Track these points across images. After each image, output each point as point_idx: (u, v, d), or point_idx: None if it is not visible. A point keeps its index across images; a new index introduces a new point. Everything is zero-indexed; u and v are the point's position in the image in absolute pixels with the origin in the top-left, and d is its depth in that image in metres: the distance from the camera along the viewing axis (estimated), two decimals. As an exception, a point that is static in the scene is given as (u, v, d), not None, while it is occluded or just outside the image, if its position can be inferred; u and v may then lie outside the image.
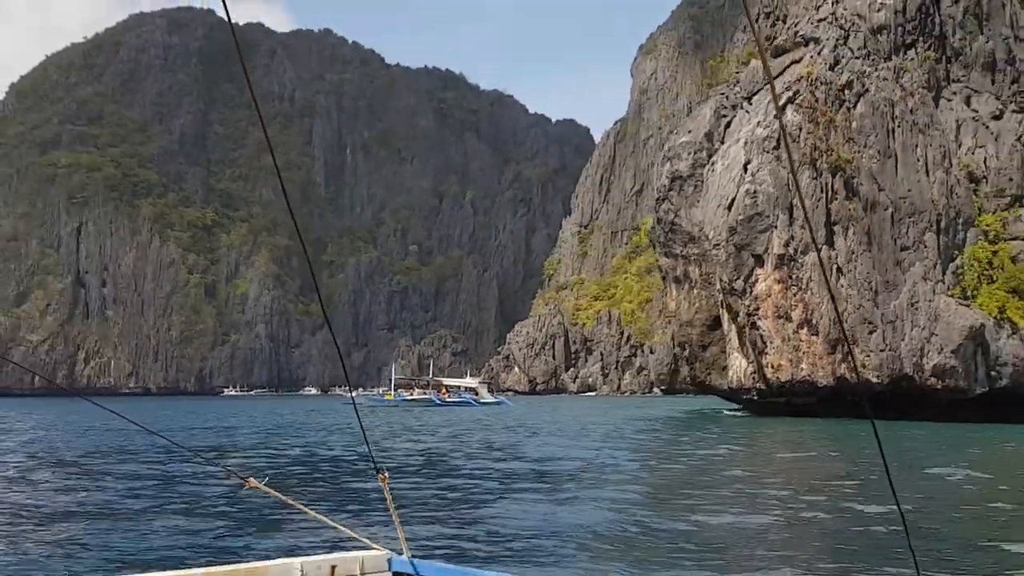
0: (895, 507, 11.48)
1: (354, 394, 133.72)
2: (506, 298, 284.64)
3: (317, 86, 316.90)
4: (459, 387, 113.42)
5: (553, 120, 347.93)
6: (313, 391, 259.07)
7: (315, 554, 4.52)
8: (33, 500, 20.38)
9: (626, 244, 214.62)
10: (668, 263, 60.22)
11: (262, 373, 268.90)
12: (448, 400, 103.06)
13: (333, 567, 4.37)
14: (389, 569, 4.51)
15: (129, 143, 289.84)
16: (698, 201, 56.30)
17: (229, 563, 4.60)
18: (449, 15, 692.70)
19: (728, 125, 56.97)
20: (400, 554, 4.66)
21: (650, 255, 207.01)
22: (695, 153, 57.28)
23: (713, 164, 53.56)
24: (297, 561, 4.31)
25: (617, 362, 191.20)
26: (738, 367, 53.40)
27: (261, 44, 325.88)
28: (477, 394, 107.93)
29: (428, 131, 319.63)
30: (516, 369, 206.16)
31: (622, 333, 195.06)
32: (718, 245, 51.37)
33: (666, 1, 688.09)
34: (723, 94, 58.85)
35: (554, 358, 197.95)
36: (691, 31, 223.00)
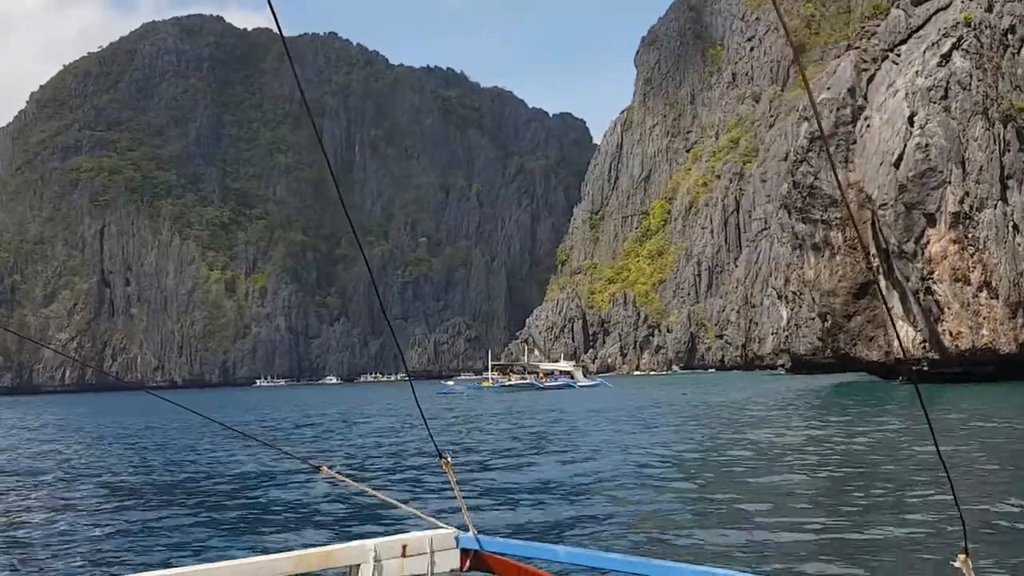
0: None
1: (451, 383, 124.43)
2: (514, 285, 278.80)
3: (325, 87, 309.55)
4: (554, 371, 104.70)
5: (551, 114, 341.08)
6: (333, 380, 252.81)
7: (387, 535, 4.71)
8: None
9: (636, 229, 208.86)
10: (805, 229, 52.85)
11: (283, 364, 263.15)
12: (548, 384, 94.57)
13: (404, 546, 4.48)
14: (457, 546, 4.58)
15: (147, 146, 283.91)
16: (842, 161, 48.69)
17: (305, 547, 4.63)
18: (447, 17, 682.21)
19: (871, 79, 49.39)
20: (467, 531, 4.69)
21: (660, 238, 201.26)
22: (838, 110, 49.62)
23: (867, 119, 46.00)
24: (371, 543, 4.40)
25: (635, 342, 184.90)
26: (903, 336, 45.80)
27: (270, 48, 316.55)
28: (572, 377, 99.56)
29: (433, 128, 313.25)
30: (536, 352, 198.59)
31: (638, 314, 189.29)
32: (885, 205, 44.08)
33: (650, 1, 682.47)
34: (858, 47, 51.21)
35: (573, 340, 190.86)
36: (691, 21, 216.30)
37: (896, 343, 46.58)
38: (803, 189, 51.72)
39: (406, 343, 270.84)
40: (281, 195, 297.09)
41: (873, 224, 47.24)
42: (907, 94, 44.37)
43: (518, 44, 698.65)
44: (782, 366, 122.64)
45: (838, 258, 50.27)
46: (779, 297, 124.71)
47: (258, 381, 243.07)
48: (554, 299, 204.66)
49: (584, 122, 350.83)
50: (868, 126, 45.74)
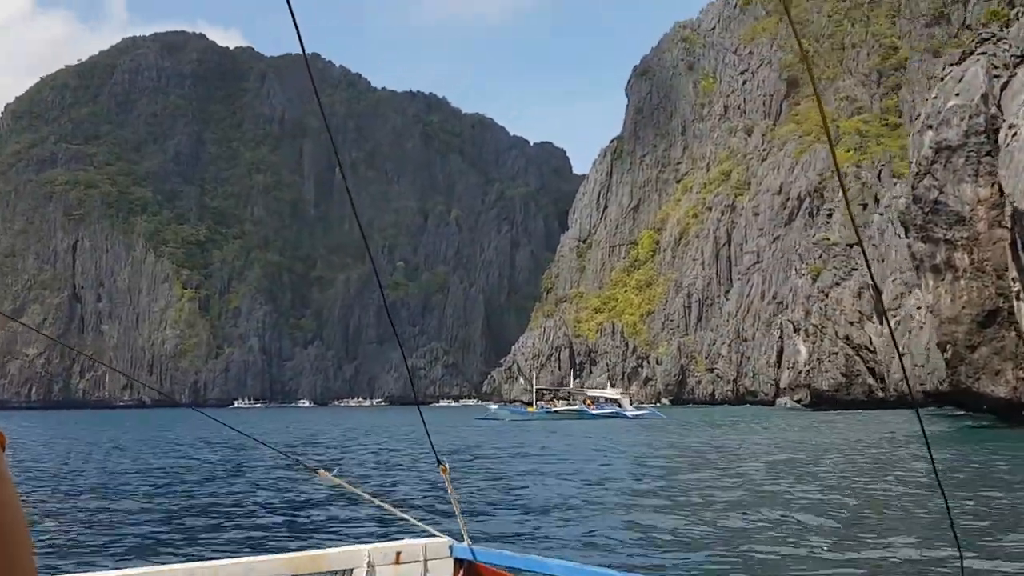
0: None
1: (494, 406, 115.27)
2: (492, 312, 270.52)
3: (307, 108, 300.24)
4: (599, 397, 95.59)
5: (531, 142, 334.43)
6: (307, 403, 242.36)
7: (381, 541, 4.56)
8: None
9: (624, 258, 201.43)
10: (925, 250, 45.06)
11: (255, 386, 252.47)
12: (598, 412, 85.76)
13: (398, 553, 4.44)
14: (451, 555, 4.56)
15: (124, 162, 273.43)
16: (972, 175, 41.10)
17: (298, 551, 4.64)
18: (429, 43, 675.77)
19: (1005, 86, 41.93)
20: (461, 541, 4.62)
21: (649, 268, 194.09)
22: (970, 118, 42.07)
23: (1014, 128, 38.40)
24: (364, 548, 4.38)
25: (623, 372, 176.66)
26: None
27: (252, 68, 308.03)
28: (620, 405, 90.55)
29: (414, 152, 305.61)
30: (522, 380, 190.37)
31: (627, 344, 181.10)
32: (1044, 222, 36.20)
33: (618, 40, 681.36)
34: (986, 53, 43.82)
35: (559, 369, 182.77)
36: (684, 53, 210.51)
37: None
38: (925, 204, 44.02)
39: (382, 367, 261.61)
40: (258, 215, 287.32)
41: (1013, 244, 39.88)
42: (1065, 100, 37.23)
43: (499, 73, 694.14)
44: (799, 401, 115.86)
45: (962, 282, 42.63)
46: (796, 331, 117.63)
47: (236, 402, 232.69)
48: (539, 327, 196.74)
49: (564, 151, 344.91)
50: (1015, 135, 38.37)
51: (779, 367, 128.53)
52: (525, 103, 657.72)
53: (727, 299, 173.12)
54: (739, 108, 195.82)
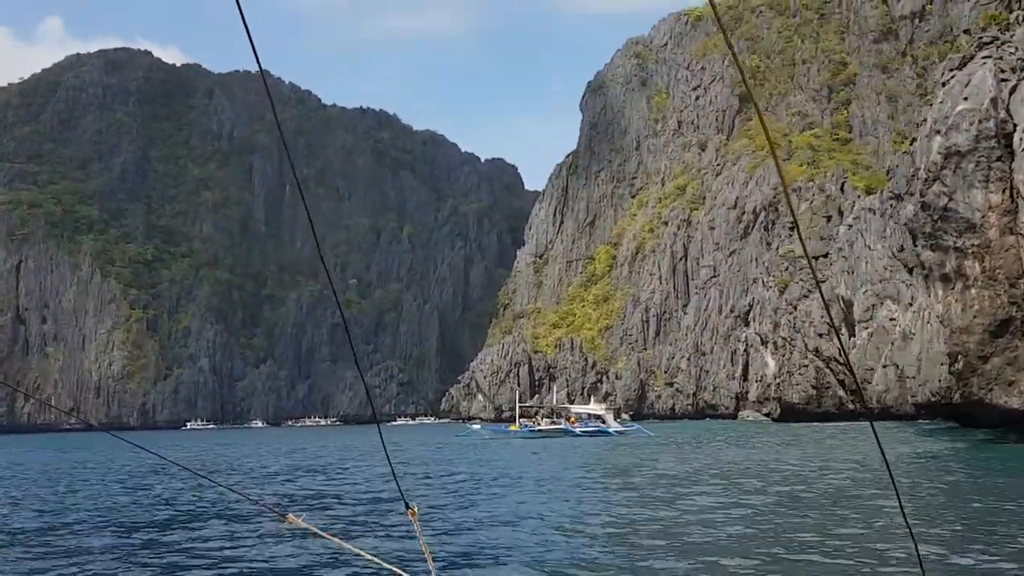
0: None
1: (476, 425, 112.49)
2: (446, 329, 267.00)
3: (256, 125, 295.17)
4: (584, 414, 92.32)
5: (483, 159, 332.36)
6: (259, 424, 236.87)
7: None
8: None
9: (581, 273, 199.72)
10: (934, 258, 43.20)
11: (206, 407, 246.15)
12: (584, 430, 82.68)
13: None
14: None
15: (69, 180, 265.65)
16: (980, 182, 39.38)
17: None
18: (380, 60, 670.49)
19: (1013, 90, 40.32)
20: None
21: (606, 283, 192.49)
22: (979, 123, 40.35)
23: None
24: None
25: (583, 388, 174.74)
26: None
27: (199, 84, 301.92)
28: (604, 421, 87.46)
29: (365, 169, 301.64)
30: (480, 397, 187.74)
31: (586, 360, 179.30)
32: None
33: (570, 57, 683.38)
34: (992, 57, 42.21)
35: (519, 385, 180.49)
36: (637, 68, 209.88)
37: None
38: (934, 212, 42.22)
39: (336, 386, 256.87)
40: (207, 233, 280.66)
41: (1030, 252, 38.20)
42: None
43: (449, 89, 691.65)
44: (767, 414, 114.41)
45: (974, 291, 40.81)
46: (763, 343, 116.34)
47: (188, 424, 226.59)
48: (497, 343, 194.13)
49: (516, 167, 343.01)
50: (1037, 140, 36.69)
51: (745, 380, 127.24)
52: (476, 119, 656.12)
53: (685, 313, 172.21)
54: (692, 123, 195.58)
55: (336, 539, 5.02)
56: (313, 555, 16.64)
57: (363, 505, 25.95)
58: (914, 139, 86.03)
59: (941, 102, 43.06)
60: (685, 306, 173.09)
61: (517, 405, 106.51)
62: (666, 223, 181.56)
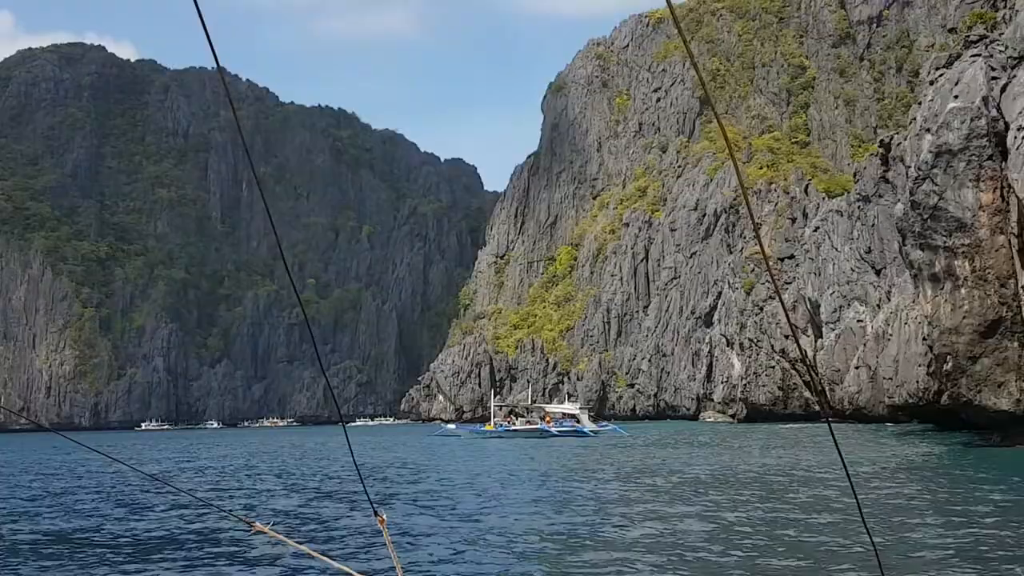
0: None
1: (452, 425, 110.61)
2: (405, 329, 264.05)
3: (212, 122, 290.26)
4: (559, 414, 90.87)
5: (442, 159, 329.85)
6: (215, 424, 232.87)
7: None
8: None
9: (542, 274, 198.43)
10: (923, 257, 42.36)
11: (160, 407, 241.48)
12: (561, 430, 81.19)
13: None
14: None
15: (20, 176, 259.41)
16: (971, 181, 38.65)
17: None
18: (339, 59, 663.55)
19: (1004, 88, 39.68)
20: None
21: (567, 284, 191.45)
22: (971, 121, 39.61)
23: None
24: None
25: (544, 389, 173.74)
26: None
27: (154, 81, 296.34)
28: (579, 421, 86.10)
29: (323, 168, 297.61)
30: (441, 397, 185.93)
31: (547, 361, 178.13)
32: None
33: (535, 51, 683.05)
34: (982, 55, 41.54)
35: (480, 386, 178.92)
36: (599, 70, 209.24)
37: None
38: (924, 211, 41.41)
39: (293, 386, 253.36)
40: (162, 231, 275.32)
41: (1023, 251, 37.45)
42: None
43: (408, 89, 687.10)
44: (733, 416, 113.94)
45: (963, 291, 40.04)
46: (728, 345, 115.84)
47: (143, 424, 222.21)
48: (458, 344, 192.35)
49: (475, 168, 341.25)
50: (1032, 138, 35.93)
51: (709, 381, 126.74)
52: (435, 119, 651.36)
53: (646, 314, 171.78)
54: (653, 125, 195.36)
55: (304, 547, 4.80)
56: (281, 565, 16.23)
57: (332, 512, 25.40)
58: (883, 141, 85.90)
59: (931, 100, 42.33)
60: (646, 307, 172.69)
61: (492, 404, 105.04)
62: (627, 224, 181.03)
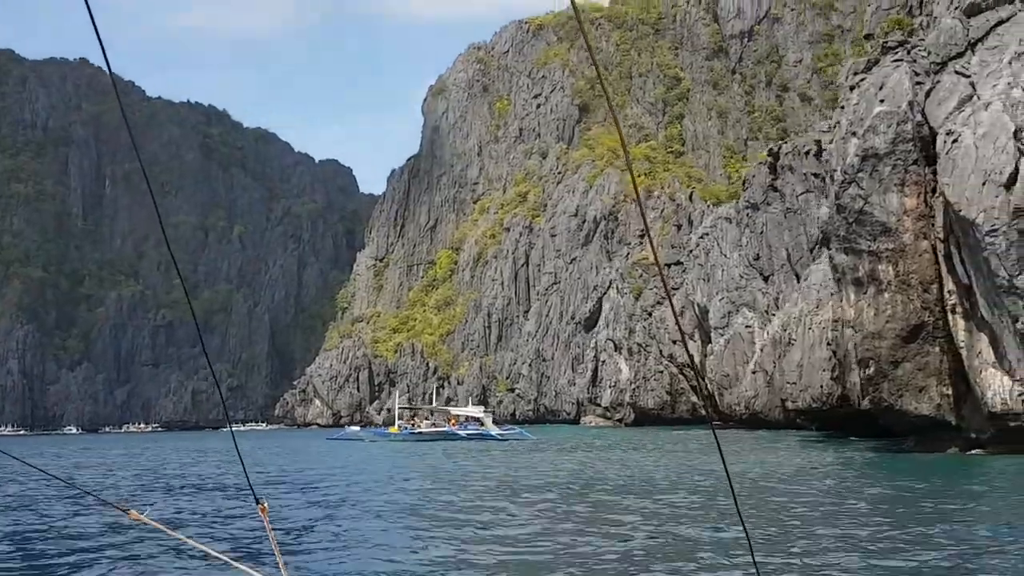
0: None
1: (355, 428, 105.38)
2: (277, 332, 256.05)
3: (73, 115, 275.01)
4: (463, 416, 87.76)
5: (317, 160, 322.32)
6: (74, 430, 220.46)
7: None
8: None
9: (422, 278, 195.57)
10: (847, 261, 41.80)
11: (14, 411, 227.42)
12: (467, 433, 78.16)
13: None
14: None
15: None
16: (898, 184, 38.34)
17: None
18: (210, 56, 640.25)
19: (928, 94, 39.55)
20: None
21: (447, 288, 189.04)
22: (897, 125, 39.29)
23: (952, 135, 35.79)
24: None
25: (424, 393, 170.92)
26: (996, 387, 35.35)
27: (11, 71, 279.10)
28: (483, 424, 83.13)
29: (193, 165, 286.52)
30: (318, 402, 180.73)
31: (427, 365, 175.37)
32: (994, 231, 33.61)
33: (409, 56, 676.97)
34: (904, 60, 41.40)
35: (358, 390, 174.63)
36: (479, 74, 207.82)
37: (988, 395, 35.64)
38: (849, 215, 40.90)
39: (158, 391, 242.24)
40: (19, 227, 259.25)
41: (949, 256, 37.25)
42: (1004, 107, 34.83)
43: (279, 87, 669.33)
44: (620, 420, 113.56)
45: (886, 295, 39.68)
46: (616, 349, 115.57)
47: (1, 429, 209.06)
48: (336, 347, 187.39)
49: (351, 169, 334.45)
50: (955, 142, 35.72)
51: (594, 386, 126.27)
52: (308, 119, 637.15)
53: (527, 319, 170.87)
54: (534, 130, 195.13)
55: (181, 535, 4.76)
56: (157, 553, 15.67)
57: (211, 501, 24.88)
58: (772, 150, 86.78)
59: (856, 104, 42.07)
60: (527, 312, 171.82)
61: (396, 407, 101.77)
62: (508, 229, 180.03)
